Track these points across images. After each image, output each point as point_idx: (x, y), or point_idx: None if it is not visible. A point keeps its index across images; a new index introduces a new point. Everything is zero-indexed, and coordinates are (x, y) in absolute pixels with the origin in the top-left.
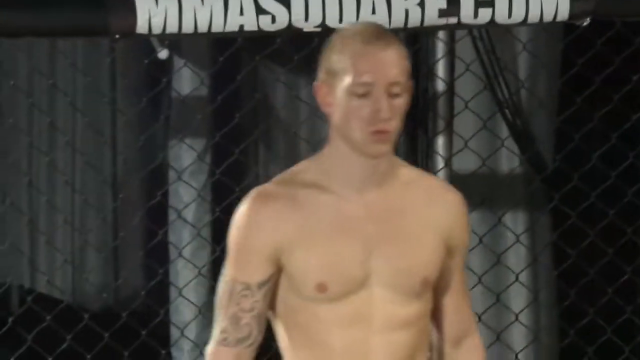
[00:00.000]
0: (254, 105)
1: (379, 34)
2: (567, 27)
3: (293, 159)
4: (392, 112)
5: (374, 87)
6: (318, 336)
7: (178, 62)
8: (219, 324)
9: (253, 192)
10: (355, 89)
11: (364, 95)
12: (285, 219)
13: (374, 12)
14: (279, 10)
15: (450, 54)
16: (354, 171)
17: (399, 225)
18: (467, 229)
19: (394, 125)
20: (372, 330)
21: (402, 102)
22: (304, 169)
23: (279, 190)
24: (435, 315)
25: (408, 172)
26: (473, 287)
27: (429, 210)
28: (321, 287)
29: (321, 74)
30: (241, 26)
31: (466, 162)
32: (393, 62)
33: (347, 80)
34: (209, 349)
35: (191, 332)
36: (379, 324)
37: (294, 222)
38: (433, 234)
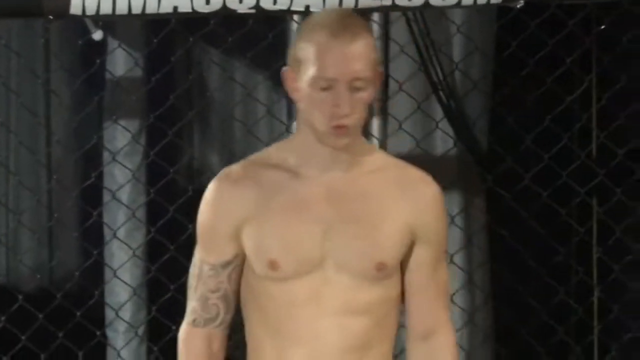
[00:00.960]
0: (188, 87)
1: (347, 24)
2: (501, 10)
3: (228, 140)
4: (353, 107)
5: (337, 82)
6: (273, 316)
7: (112, 43)
8: (189, 304)
9: (219, 174)
10: (318, 83)
11: (326, 89)
12: (245, 199)
13: None
14: None
15: (385, 36)
16: (318, 155)
17: (358, 209)
18: (442, 223)
19: (354, 119)
20: (325, 313)
21: (365, 96)
22: (271, 151)
23: (241, 171)
24: (406, 308)
25: (380, 160)
26: None
27: (394, 199)
28: (273, 265)
29: (290, 60)
30: (175, 7)
31: (401, 144)
32: (358, 57)
33: (311, 71)
34: (181, 330)
35: (126, 313)
36: (332, 308)
37: (252, 201)
38: (395, 221)
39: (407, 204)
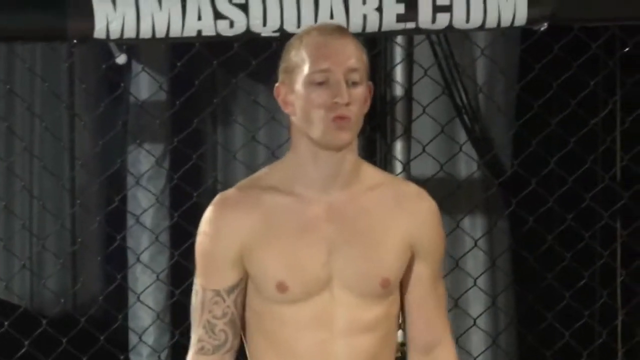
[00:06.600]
0: (212, 111)
1: (335, 27)
2: (525, 32)
3: (251, 163)
4: (351, 99)
5: (332, 74)
6: (281, 340)
7: (136, 67)
8: (195, 333)
9: (215, 199)
10: (313, 77)
11: (322, 84)
12: (246, 223)
13: (332, 16)
14: (237, 15)
15: (409, 58)
16: (317, 171)
17: (360, 226)
18: (439, 237)
19: (354, 111)
20: (335, 333)
21: (361, 91)
22: (266, 173)
23: (239, 195)
24: (406, 323)
25: (377, 176)
26: None
27: (393, 215)
28: (281, 287)
29: (281, 74)
30: (199, 31)
31: (424, 167)
32: (350, 51)
33: (305, 70)
34: (188, 359)
35: (149, 337)
36: (341, 327)
37: (254, 224)
38: (396, 237)
39: (405, 219)
